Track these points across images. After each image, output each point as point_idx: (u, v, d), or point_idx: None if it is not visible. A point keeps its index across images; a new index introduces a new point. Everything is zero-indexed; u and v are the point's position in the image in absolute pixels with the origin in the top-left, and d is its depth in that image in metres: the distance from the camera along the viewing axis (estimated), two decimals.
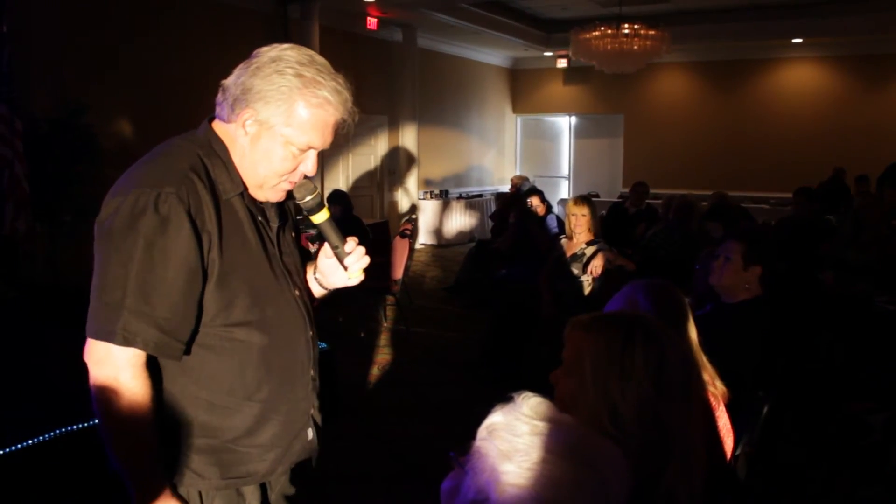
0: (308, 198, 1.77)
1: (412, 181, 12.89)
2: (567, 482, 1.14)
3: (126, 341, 1.54)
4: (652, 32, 10.50)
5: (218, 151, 1.70)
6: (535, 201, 7.75)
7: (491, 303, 6.68)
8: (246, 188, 1.72)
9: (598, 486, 1.16)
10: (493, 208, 12.37)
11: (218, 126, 1.74)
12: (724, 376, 2.38)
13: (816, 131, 13.47)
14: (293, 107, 1.63)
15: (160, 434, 1.63)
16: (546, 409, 1.23)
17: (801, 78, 13.90)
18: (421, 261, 11.85)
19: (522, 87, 16.66)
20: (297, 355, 1.82)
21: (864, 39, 12.40)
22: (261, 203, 1.77)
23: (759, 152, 13.75)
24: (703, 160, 14.13)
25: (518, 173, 14.69)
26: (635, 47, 10.55)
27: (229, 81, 1.68)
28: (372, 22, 11.40)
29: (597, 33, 10.59)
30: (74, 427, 3.52)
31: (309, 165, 1.72)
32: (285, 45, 1.67)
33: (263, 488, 1.86)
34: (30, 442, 3.36)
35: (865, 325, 5.16)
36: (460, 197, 14.28)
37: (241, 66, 1.68)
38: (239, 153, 1.71)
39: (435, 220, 13.57)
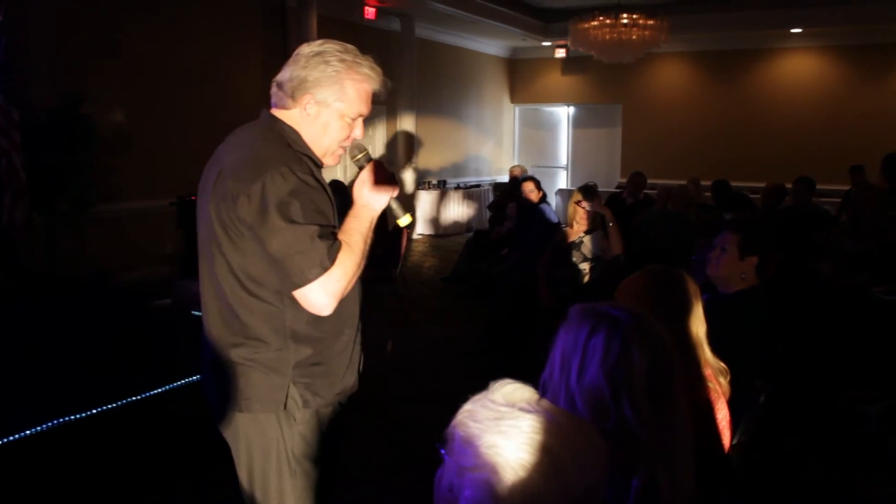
0: (359, 156, 2.20)
1: (410, 171, 12.88)
2: (516, 467, 1.15)
3: (331, 262, 1.99)
4: (651, 22, 10.48)
5: (292, 135, 2.13)
6: (527, 187, 7.71)
7: (489, 292, 6.69)
8: (319, 161, 2.18)
9: (553, 471, 1.16)
10: (491, 198, 12.37)
11: (280, 114, 2.15)
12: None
13: (816, 121, 13.46)
14: (343, 86, 2.10)
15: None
16: (520, 396, 1.24)
17: (800, 68, 13.87)
18: (419, 251, 11.85)
19: (520, 77, 16.63)
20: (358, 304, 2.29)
21: (864, 29, 12.37)
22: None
23: (757, 142, 13.74)
24: (702, 150, 14.12)
25: (516, 163, 14.66)
26: (634, 37, 10.53)
27: (282, 78, 2.12)
28: (370, 11, 11.36)
29: (595, 23, 10.57)
30: (75, 416, 3.54)
31: (358, 131, 2.19)
32: (321, 41, 2.13)
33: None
34: (29, 432, 3.37)
35: (863, 315, 5.17)
36: (458, 187, 14.28)
37: (288, 63, 2.12)
38: (304, 132, 2.14)
39: (433, 210, 13.56)
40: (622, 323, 1.58)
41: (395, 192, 2.18)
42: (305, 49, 2.12)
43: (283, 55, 9.04)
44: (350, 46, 2.15)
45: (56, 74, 7.40)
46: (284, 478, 2.19)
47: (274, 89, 2.16)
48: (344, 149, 2.22)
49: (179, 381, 4.15)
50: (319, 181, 2.09)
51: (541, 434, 1.18)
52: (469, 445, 1.19)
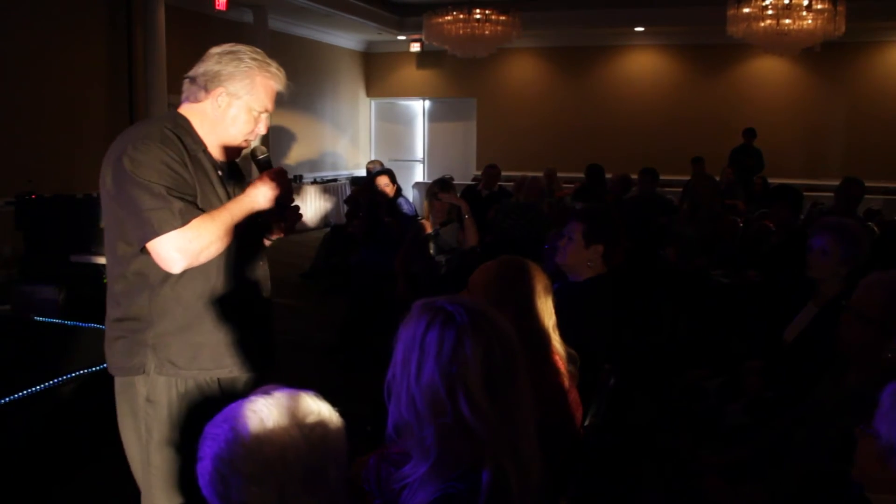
0: (260, 157, 2.44)
1: None
2: (242, 461, 1.38)
3: (184, 221, 2.11)
4: (503, 18, 10.72)
5: (181, 123, 2.27)
6: (382, 181, 7.69)
7: (347, 288, 6.65)
8: (206, 148, 2.30)
9: (262, 468, 1.37)
10: (349, 193, 12.31)
11: (188, 108, 2.31)
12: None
13: (659, 115, 14.10)
14: (254, 81, 2.30)
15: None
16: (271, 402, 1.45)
17: (644, 65, 14.51)
18: (274, 246, 11.59)
19: (376, 71, 16.60)
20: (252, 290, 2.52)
21: (699, 29, 13.02)
22: (221, 163, 2.36)
23: (606, 135, 14.25)
24: (554, 143, 14.52)
25: (373, 157, 14.64)
26: (486, 32, 10.75)
27: (196, 72, 2.28)
28: (221, 2, 10.99)
29: (449, 18, 10.72)
30: None
31: (262, 126, 2.39)
32: (231, 44, 2.32)
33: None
34: None
35: (703, 297, 5.48)
36: (315, 182, 14.12)
37: (200, 61, 2.29)
38: (210, 122, 2.30)
39: None
40: (456, 317, 1.55)
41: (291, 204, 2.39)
42: (217, 49, 2.30)
43: (128, 46, 8.62)
44: (258, 49, 2.37)
45: None
46: (149, 451, 2.30)
47: (186, 84, 2.31)
48: (248, 142, 2.39)
49: (23, 391, 3.91)
50: (186, 161, 2.20)
51: (260, 435, 1.40)
52: (220, 420, 1.45)
